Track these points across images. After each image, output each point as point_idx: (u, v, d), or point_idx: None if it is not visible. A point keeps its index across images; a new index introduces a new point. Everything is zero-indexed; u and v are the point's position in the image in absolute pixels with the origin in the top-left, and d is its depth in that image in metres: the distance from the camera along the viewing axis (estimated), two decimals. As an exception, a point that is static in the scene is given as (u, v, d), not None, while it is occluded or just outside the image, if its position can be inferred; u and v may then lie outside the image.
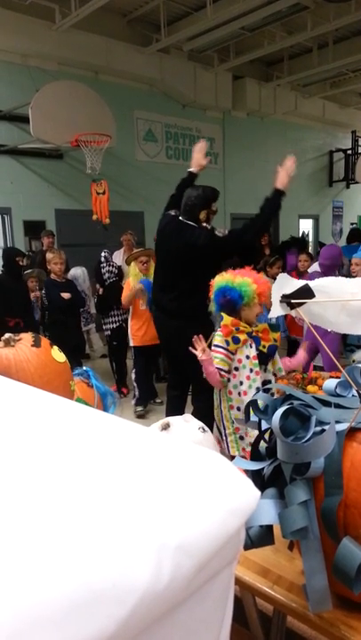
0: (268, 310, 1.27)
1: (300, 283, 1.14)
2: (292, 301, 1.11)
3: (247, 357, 2.54)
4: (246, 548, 1.09)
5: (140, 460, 0.47)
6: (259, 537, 1.09)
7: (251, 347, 2.55)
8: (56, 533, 0.38)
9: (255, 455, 1.17)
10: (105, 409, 1.82)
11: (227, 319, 2.55)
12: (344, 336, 5.68)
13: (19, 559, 0.36)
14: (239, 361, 2.56)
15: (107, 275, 5.22)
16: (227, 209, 9.28)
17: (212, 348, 2.58)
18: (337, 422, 1.05)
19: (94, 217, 6.30)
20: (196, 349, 2.53)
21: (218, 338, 2.57)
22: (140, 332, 4.75)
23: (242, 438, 2.61)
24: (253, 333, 2.56)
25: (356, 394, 1.16)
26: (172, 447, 0.52)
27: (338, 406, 1.15)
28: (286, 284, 1.13)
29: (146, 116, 8.65)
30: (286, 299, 1.11)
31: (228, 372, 2.58)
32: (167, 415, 3.73)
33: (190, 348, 2.54)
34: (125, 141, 7.91)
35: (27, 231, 7.44)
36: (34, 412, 0.56)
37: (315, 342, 4.25)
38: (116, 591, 0.36)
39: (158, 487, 0.44)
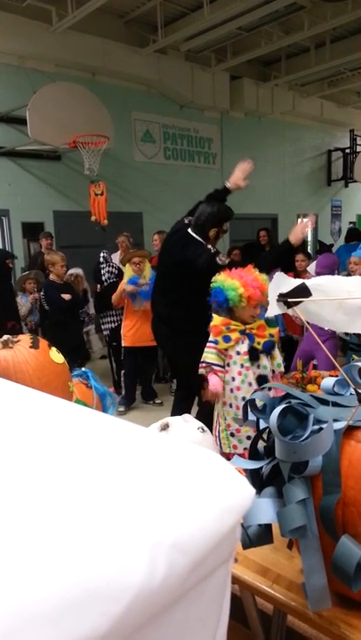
0: (266, 309, 1.28)
1: (297, 281, 1.14)
2: (289, 300, 1.11)
3: (238, 353, 2.57)
4: (245, 547, 1.09)
5: (135, 459, 0.47)
6: (258, 536, 1.09)
7: (243, 343, 2.57)
8: (50, 531, 0.38)
9: (253, 454, 1.17)
10: (104, 410, 1.82)
11: (216, 319, 2.59)
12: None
13: (12, 557, 0.36)
14: (230, 357, 2.60)
15: (106, 275, 5.22)
16: (225, 209, 9.28)
17: (207, 345, 2.63)
18: (335, 421, 1.05)
19: (93, 218, 6.30)
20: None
21: (210, 336, 2.63)
22: (130, 332, 4.77)
23: (233, 435, 2.63)
24: (247, 331, 2.58)
25: (353, 392, 1.16)
26: (167, 446, 0.52)
27: (336, 405, 1.15)
28: (283, 282, 1.13)
29: (143, 116, 8.65)
30: (283, 297, 1.11)
31: (223, 367, 2.62)
32: (172, 415, 3.75)
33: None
34: (123, 142, 7.92)
35: (25, 233, 7.44)
36: (32, 413, 0.56)
37: (311, 347, 4.26)
38: (110, 589, 0.36)
39: (152, 485, 0.44)
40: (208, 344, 2.62)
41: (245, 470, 1.14)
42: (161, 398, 5.07)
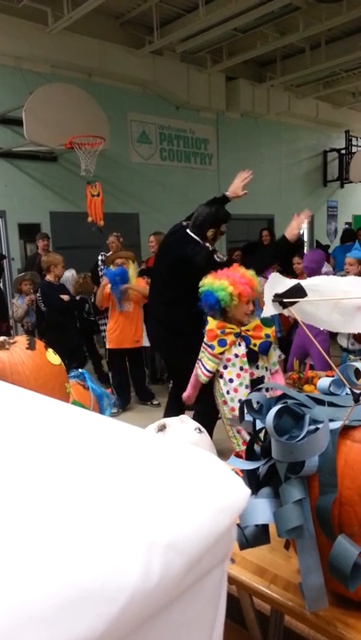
0: (261, 309, 1.28)
1: (293, 282, 1.14)
2: (285, 300, 1.11)
3: (236, 356, 2.56)
4: (242, 547, 1.09)
5: (130, 460, 0.47)
6: (254, 536, 1.09)
7: (240, 345, 2.56)
8: (44, 532, 0.38)
9: (250, 454, 1.17)
10: (101, 411, 1.82)
11: (211, 323, 2.57)
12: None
13: (6, 558, 0.36)
14: (228, 359, 2.59)
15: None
16: (221, 210, 9.30)
17: (202, 346, 2.63)
18: (331, 420, 1.06)
19: (89, 219, 6.30)
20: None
21: (205, 339, 2.63)
22: (114, 334, 4.76)
23: (239, 432, 2.64)
24: (242, 333, 2.56)
25: (349, 392, 1.17)
26: (162, 447, 0.52)
27: (332, 405, 1.16)
28: (279, 283, 1.13)
29: (140, 117, 8.66)
30: (279, 298, 1.12)
31: (212, 373, 2.63)
32: (165, 412, 3.78)
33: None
34: (119, 143, 7.92)
35: (21, 234, 7.42)
36: (28, 414, 0.56)
37: (304, 345, 4.27)
38: (105, 590, 0.36)
39: (148, 485, 0.44)
40: (204, 346, 2.62)
41: (242, 471, 1.14)
42: (158, 399, 5.06)
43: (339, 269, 5.67)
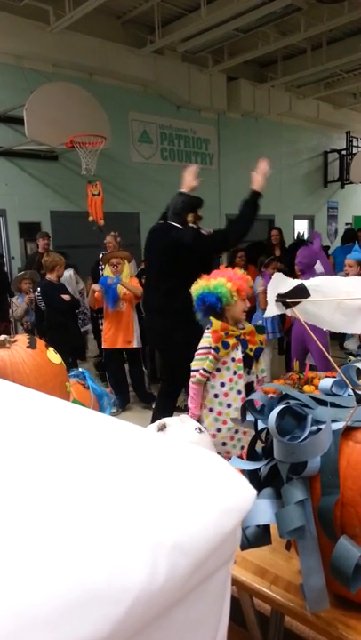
0: (263, 310, 1.27)
1: (296, 282, 1.14)
2: (288, 301, 1.11)
3: (233, 360, 2.50)
4: (243, 547, 1.09)
5: (135, 460, 0.47)
6: (256, 537, 1.09)
7: (237, 349, 2.51)
8: (50, 533, 0.37)
9: (252, 455, 1.17)
10: (101, 410, 1.81)
11: (216, 324, 2.49)
12: (342, 340, 5.71)
13: (12, 560, 0.35)
14: (224, 363, 2.50)
15: None
16: (222, 210, 9.30)
17: (201, 351, 2.51)
18: (333, 421, 1.05)
19: (90, 218, 6.29)
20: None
21: (208, 340, 2.50)
22: (108, 334, 4.77)
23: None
24: (241, 336, 2.52)
25: (351, 393, 1.16)
26: (168, 446, 0.52)
27: (334, 405, 1.15)
28: (282, 283, 1.13)
29: (140, 117, 8.65)
30: (282, 298, 1.11)
31: (209, 372, 2.53)
32: (156, 410, 3.79)
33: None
34: (120, 143, 7.92)
35: (22, 233, 7.42)
36: (29, 413, 0.55)
37: (304, 342, 4.27)
38: (111, 591, 0.36)
39: (153, 486, 0.44)
40: (204, 350, 2.50)
41: (244, 471, 1.14)
42: (158, 400, 5.05)
43: (339, 270, 5.67)
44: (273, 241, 6.91)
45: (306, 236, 11.73)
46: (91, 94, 6.70)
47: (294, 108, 10.74)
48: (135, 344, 4.75)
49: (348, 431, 1.05)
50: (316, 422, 1.05)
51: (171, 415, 2.77)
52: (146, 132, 8.78)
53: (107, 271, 4.80)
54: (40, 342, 1.45)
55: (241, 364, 2.50)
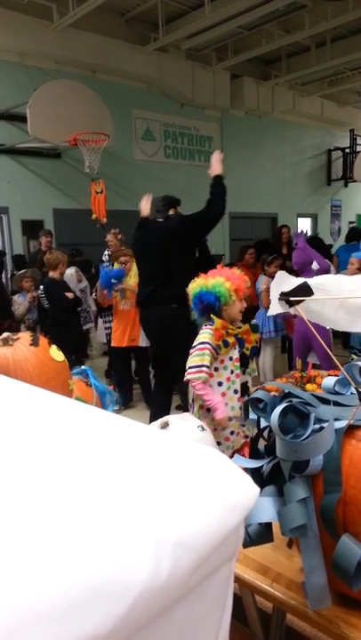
0: (266, 309, 1.27)
1: (299, 280, 1.14)
2: (291, 299, 1.11)
3: (230, 359, 2.48)
4: (245, 545, 1.09)
5: (139, 456, 0.47)
6: (258, 534, 1.09)
7: (235, 348, 2.49)
8: (54, 529, 0.38)
9: (254, 453, 1.17)
10: (104, 407, 1.82)
11: (217, 322, 2.46)
12: (346, 339, 5.70)
13: (16, 556, 0.36)
14: (221, 361, 2.47)
15: None
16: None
17: (200, 346, 2.45)
18: (336, 420, 1.05)
19: (93, 216, 6.29)
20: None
21: (207, 336, 2.45)
22: (117, 332, 4.79)
23: (218, 443, 2.50)
24: (239, 335, 2.51)
25: (354, 391, 1.16)
26: (171, 444, 0.52)
27: (337, 404, 1.15)
28: (285, 281, 1.13)
29: (144, 114, 8.64)
30: (285, 296, 1.11)
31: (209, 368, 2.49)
32: (152, 410, 3.81)
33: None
34: (123, 140, 7.91)
35: (25, 231, 7.43)
36: (33, 409, 0.56)
37: (306, 340, 4.27)
38: (114, 587, 0.36)
39: (157, 483, 0.44)
40: (202, 345, 2.44)
41: (246, 469, 1.14)
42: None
43: (342, 268, 5.66)
44: (283, 239, 6.87)
45: (309, 234, 11.72)
46: (94, 92, 6.70)
47: (298, 105, 10.71)
48: (143, 343, 4.76)
49: (350, 430, 1.05)
50: (318, 421, 1.05)
51: (168, 410, 2.76)
52: (149, 129, 8.77)
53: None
54: (43, 340, 1.46)
55: (238, 364, 2.49)
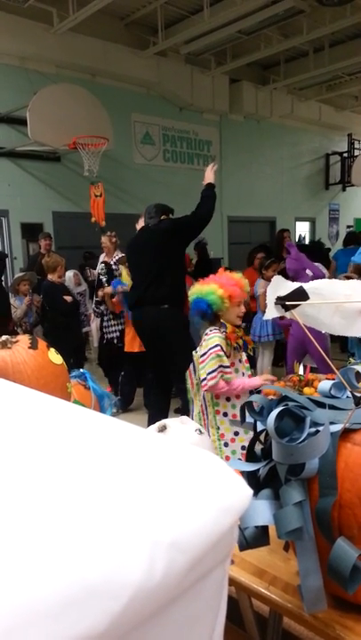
0: (263, 312, 1.28)
1: (295, 285, 1.15)
2: (287, 303, 1.12)
3: (240, 361, 2.53)
4: (242, 548, 1.10)
5: (134, 459, 0.48)
6: (254, 538, 1.09)
7: (242, 351, 2.56)
8: (49, 530, 0.38)
9: (250, 456, 1.17)
10: (102, 411, 1.82)
11: (229, 326, 2.50)
12: (344, 343, 5.72)
13: (11, 555, 0.36)
14: (232, 364, 2.48)
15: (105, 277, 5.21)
16: (223, 211, 9.31)
17: (211, 350, 2.44)
18: (331, 423, 1.06)
19: (93, 219, 6.30)
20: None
21: (217, 339, 2.45)
22: (127, 337, 4.82)
23: (226, 445, 2.53)
24: (242, 338, 2.58)
25: (350, 395, 1.17)
26: (166, 446, 0.52)
27: (332, 407, 1.16)
28: (281, 285, 1.14)
29: (143, 118, 8.67)
30: (281, 301, 1.12)
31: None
32: (150, 413, 3.82)
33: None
34: (123, 144, 7.93)
35: (24, 234, 7.44)
36: (31, 412, 0.56)
37: (303, 344, 4.28)
38: (109, 586, 0.37)
39: (151, 485, 0.45)
40: (217, 348, 2.43)
41: (242, 472, 1.14)
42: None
43: (341, 272, 5.68)
44: (284, 244, 6.89)
45: (306, 239, 11.75)
46: (93, 96, 6.72)
47: (296, 110, 10.75)
48: None
49: (346, 433, 1.06)
50: (314, 424, 1.06)
51: (166, 413, 2.78)
52: (148, 133, 8.80)
53: (124, 274, 4.75)
54: (41, 343, 1.46)
55: (248, 365, 2.57)
